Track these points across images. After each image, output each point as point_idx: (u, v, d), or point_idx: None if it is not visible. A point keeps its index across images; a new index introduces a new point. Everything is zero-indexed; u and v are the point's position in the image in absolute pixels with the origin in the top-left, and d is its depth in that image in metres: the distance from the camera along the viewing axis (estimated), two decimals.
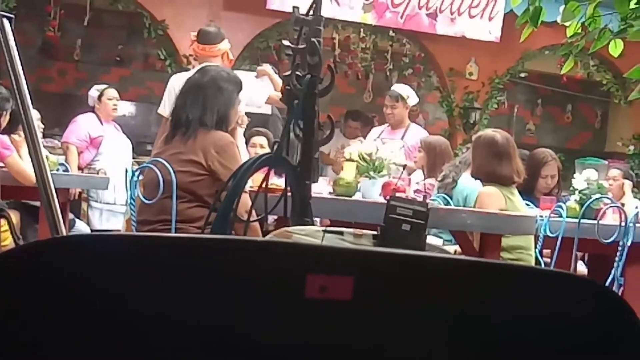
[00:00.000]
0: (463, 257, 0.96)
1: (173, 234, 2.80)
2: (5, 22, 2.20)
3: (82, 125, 6.98)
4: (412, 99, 6.87)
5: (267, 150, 5.51)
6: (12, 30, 2.22)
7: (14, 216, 4.74)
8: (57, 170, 5.57)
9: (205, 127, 3.66)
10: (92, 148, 6.94)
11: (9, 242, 3.64)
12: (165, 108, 5.14)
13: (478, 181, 4.65)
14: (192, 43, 5.52)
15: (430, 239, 4.50)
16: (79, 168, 6.71)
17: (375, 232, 1.52)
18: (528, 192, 5.17)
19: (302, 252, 0.80)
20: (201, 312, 0.80)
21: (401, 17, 9.26)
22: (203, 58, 5.33)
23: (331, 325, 0.82)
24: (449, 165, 5.22)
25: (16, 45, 2.23)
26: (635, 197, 6.70)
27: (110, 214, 7.05)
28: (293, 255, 0.80)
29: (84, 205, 6.99)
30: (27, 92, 2.24)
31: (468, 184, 4.79)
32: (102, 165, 6.74)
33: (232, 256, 0.80)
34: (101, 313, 0.80)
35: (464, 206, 4.62)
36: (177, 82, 5.03)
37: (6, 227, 2.48)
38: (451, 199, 4.77)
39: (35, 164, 2.25)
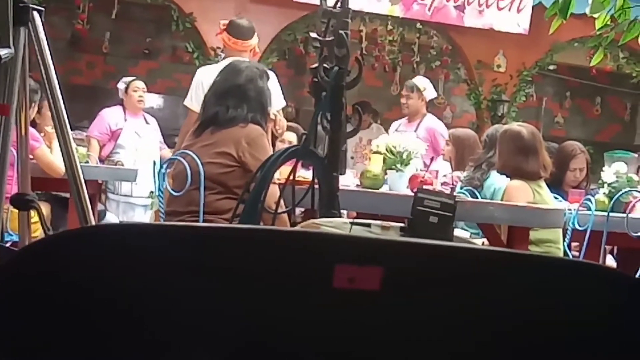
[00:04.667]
0: (490, 247, 0.95)
1: (201, 224, 2.81)
2: (36, 15, 2.22)
3: (105, 119, 7.02)
4: (429, 91, 6.81)
5: None
6: (42, 23, 2.24)
7: (45, 208, 4.78)
8: (87, 162, 5.60)
9: (241, 123, 3.65)
10: (113, 141, 6.98)
11: (39, 234, 3.66)
12: (192, 101, 5.11)
13: (504, 177, 4.63)
14: (221, 32, 5.44)
15: (457, 232, 4.48)
16: (100, 160, 6.73)
17: (402, 225, 1.52)
18: (556, 185, 5.13)
19: (331, 243, 0.80)
20: (229, 301, 0.81)
21: (429, 10, 9.22)
22: (231, 51, 5.30)
23: (359, 316, 0.82)
24: (472, 167, 5.10)
25: (46, 38, 2.25)
26: None
27: (127, 206, 7.07)
28: (322, 246, 0.80)
29: (101, 196, 7.01)
30: (57, 84, 2.26)
31: (495, 181, 4.76)
32: (121, 158, 6.75)
33: (261, 246, 0.80)
34: (130, 302, 0.81)
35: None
36: (204, 75, 5.00)
37: (36, 218, 2.50)
38: (479, 193, 4.75)
39: (65, 155, 2.27)
